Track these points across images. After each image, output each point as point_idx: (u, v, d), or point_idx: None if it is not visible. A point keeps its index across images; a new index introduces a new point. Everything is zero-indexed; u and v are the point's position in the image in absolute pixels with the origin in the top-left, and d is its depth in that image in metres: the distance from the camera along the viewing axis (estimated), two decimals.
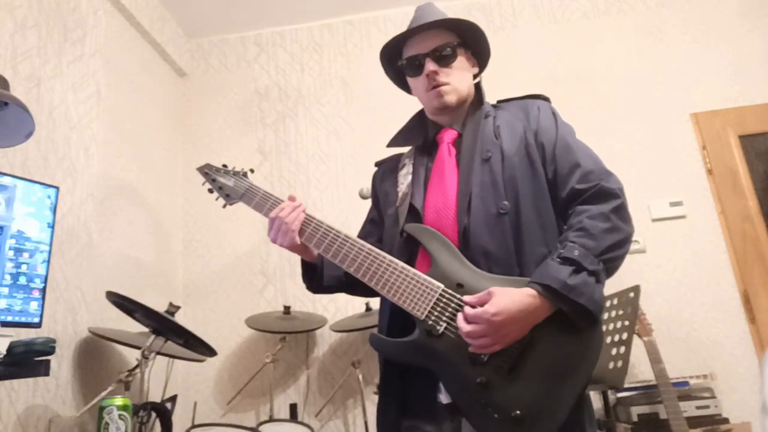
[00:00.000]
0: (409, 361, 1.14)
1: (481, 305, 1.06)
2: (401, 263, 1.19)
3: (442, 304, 1.13)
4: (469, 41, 1.35)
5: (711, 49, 3.02)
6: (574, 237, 1.10)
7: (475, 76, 1.41)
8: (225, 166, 1.51)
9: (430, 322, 1.12)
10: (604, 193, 1.16)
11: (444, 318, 1.12)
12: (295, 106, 3.26)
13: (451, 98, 1.30)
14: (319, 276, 1.37)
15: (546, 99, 1.35)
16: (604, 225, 1.11)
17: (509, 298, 1.05)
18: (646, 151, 2.91)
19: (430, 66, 1.29)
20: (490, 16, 3.26)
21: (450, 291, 1.13)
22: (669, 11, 3.12)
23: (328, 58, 3.32)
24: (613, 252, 1.11)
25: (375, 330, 1.28)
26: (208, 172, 1.50)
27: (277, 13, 3.30)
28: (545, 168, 1.22)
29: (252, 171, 1.51)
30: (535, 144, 1.24)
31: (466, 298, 1.09)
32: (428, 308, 1.13)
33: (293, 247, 1.31)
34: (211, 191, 1.50)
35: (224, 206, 1.50)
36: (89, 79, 2.45)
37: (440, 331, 1.11)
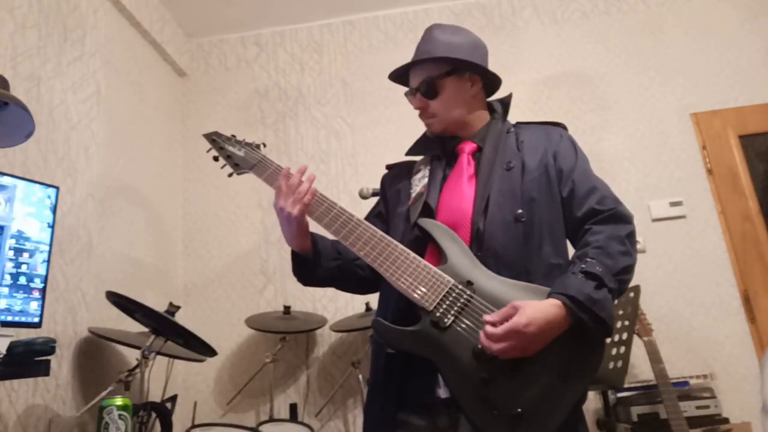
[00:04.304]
0: (411, 351, 1.14)
1: (505, 321, 1.05)
2: (413, 253, 1.19)
3: (451, 298, 1.13)
4: (462, 66, 1.37)
5: (711, 49, 3.02)
6: (594, 254, 1.14)
7: (487, 90, 1.44)
8: (234, 136, 1.47)
9: (438, 314, 1.12)
10: (620, 217, 1.22)
11: (452, 312, 1.12)
12: (295, 106, 3.26)
13: (436, 128, 1.39)
14: (312, 267, 1.33)
15: (564, 127, 1.40)
16: (621, 248, 1.16)
17: (535, 308, 1.06)
18: (646, 151, 2.91)
19: (416, 102, 1.39)
20: (490, 16, 3.26)
21: (460, 286, 1.14)
22: (669, 11, 3.12)
23: (328, 58, 3.32)
24: (625, 275, 1.16)
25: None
26: (216, 139, 1.46)
27: (277, 13, 3.30)
28: (560, 187, 1.27)
29: (264, 145, 1.47)
30: (554, 165, 1.29)
31: (487, 317, 1.08)
32: (437, 300, 1.13)
33: (297, 227, 1.26)
34: (216, 159, 1.45)
35: (230, 175, 1.44)
36: (89, 79, 2.45)
37: (447, 324, 1.11)
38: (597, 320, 1.07)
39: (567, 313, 1.07)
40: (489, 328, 1.06)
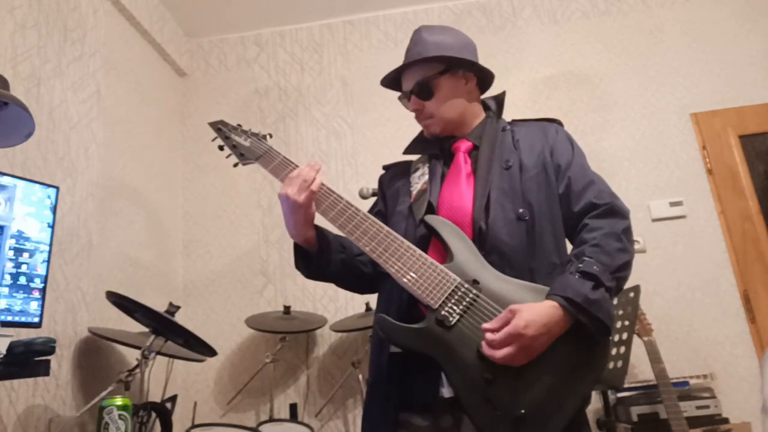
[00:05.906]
0: (415, 348, 1.13)
1: (504, 326, 1.05)
2: (419, 250, 1.18)
3: (457, 297, 1.12)
4: (455, 64, 1.36)
5: (711, 49, 3.02)
6: (591, 252, 1.14)
7: (481, 87, 1.43)
8: (240, 125, 1.45)
9: (443, 313, 1.11)
10: (616, 212, 1.22)
11: (457, 310, 1.11)
12: (295, 106, 3.26)
13: (435, 129, 1.38)
14: (316, 261, 1.30)
15: (560, 123, 1.40)
16: (618, 244, 1.16)
17: (532, 310, 1.06)
18: (646, 151, 2.91)
19: (412, 105, 1.38)
20: (490, 16, 3.26)
21: (466, 285, 1.13)
22: (669, 11, 3.12)
23: (328, 58, 3.33)
24: (622, 272, 1.16)
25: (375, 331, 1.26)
26: (221, 128, 1.43)
27: (277, 13, 3.30)
28: (557, 183, 1.27)
29: (271, 136, 1.44)
30: (551, 162, 1.29)
31: (486, 325, 1.07)
32: (443, 298, 1.12)
33: (303, 216, 1.24)
34: (221, 148, 1.43)
35: (235, 165, 1.42)
36: (89, 79, 2.45)
37: (452, 323, 1.10)
38: (595, 321, 1.08)
39: (564, 314, 1.07)
40: (489, 336, 1.05)
